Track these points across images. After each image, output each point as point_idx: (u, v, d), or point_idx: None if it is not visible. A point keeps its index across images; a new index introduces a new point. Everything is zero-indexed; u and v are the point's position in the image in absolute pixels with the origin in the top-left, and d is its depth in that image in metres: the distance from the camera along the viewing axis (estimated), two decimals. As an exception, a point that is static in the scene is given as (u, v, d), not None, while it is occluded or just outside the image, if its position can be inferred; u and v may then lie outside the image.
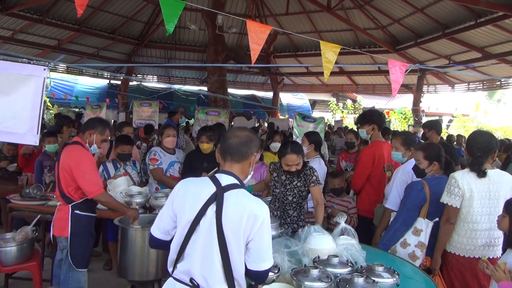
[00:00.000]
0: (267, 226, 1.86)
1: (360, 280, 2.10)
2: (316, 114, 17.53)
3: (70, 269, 3.15)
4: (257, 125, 14.90)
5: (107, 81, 16.23)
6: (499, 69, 11.43)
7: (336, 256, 2.43)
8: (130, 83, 15.53)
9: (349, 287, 2.07)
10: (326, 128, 13.79)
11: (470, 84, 14.10)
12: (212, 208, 1.84)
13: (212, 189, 1.87)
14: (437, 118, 23.31)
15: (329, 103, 20.36)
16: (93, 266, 4.83)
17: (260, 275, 1.87)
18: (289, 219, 3.43)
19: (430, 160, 3.18)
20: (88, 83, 15.91)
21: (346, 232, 2.76)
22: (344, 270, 2.31)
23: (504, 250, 2.69)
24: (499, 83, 12.99)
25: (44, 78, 2.91)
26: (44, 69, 2.92)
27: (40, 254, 4.07)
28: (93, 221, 3.37)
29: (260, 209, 1.83)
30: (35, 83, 2.89)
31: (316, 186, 3.39)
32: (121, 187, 4.13)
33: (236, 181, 1.92)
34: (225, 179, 1.91)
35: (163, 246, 2.01)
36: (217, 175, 1.94)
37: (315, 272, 2.18)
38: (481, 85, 13.75)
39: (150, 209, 3.96)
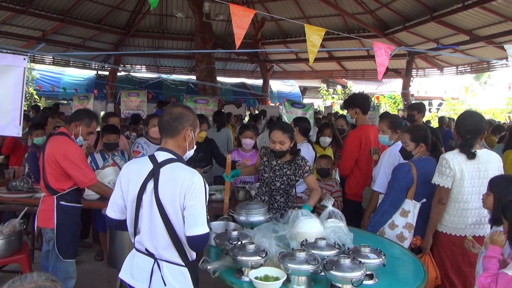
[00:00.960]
0: (199, 194, 1.97)
1: (346, 261, 2.11)
2: (306, 100, 17.49)
3: (57, 260, 3.13)
4: (248, 113, 14.88)
5: (95, 72, 16.01)
6: (487, 51, 11.49)
7: (323, 239, 2.44)
8: (119, 74, 15.35)
9: (336, 269, 2.07)
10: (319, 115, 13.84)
11: (459, 67, 14.17)
12: (150, 184, 2.01)
13: (150, 166, 2.04)
14: (426, 102, 23.53)
15: (319, 89, 20.34)
16: (84, 257, 4.84)
17: (194, 240, 1.97)
18: (276, 205, 3.44)
19: (417, 142, 3.19)
20: (76, 74, 15.68)
21: (334, 215, 2.77)
22: (331, 252, 2.32)
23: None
24: (486, 65, 13.06)
25: (24, 68, 2.85)
26: (24, 59, 2.87)
27: (29, 247, 4.04)
28: (79, 211, 3.34)
29: (191, 178, 1.97)
30: (15, 74, 2.83)
31: (310, 176, 3.35)
32: (109, 177, 4.09)
33: (172, 156, 2.07)
34: (161, 156, 2.07)
35: (120, 226, 2.18)
36: (155, 153, 2.10)
37: (302, 255, 2.19)
38: (470, 68, 13.83)
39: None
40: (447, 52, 11.28)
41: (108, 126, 4.76)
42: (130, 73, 15.87)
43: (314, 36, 3.27)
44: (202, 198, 1.98)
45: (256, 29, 11.62)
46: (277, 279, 2.14)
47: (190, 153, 2.21)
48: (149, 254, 2.07)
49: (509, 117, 16.31)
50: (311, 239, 2.45)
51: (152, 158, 2.07)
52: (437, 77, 15.82)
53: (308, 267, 2.13)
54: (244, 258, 2.22)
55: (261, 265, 2.24)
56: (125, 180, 2.10)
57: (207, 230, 1.99)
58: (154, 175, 2.01)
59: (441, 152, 3.29)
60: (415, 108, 5.18)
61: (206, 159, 4.63)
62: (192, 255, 2.11)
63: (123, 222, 2.15)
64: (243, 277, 2.24)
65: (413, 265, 2.57)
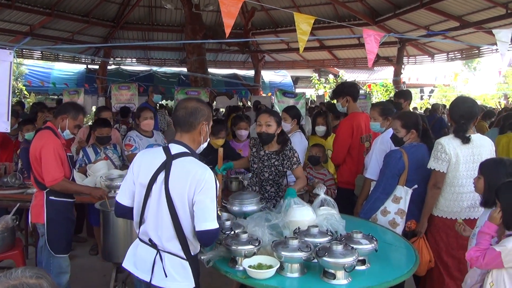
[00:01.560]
0: (210, 189, 2.00)
1: (339, 248, 2.13)
2: (299, 90, 17.45)
3: (50, 255, 3.12)
4: (240, 104, 14.84)
5: (84, 66, 15.83)
6: (477, 37, 11.51)
7: (316, 226, 2.46)
8: (109, 67, 15.18)
9: (328, 255, 2.09)
10: (309, 104, 13.85)
11: (449, 53, 14.21)
12: (161, 175, 2.04)
13: (163, 157, 2.07)
14: (418, 89, 23.61)
15: (311, 79, 20.32)
16: (78, 252, 4.84)
17: (203, 235, 2.00)
18: (267, 195, 3.45)
19: (408, 129, 3.21)
20: (65, 68, 15.49)
21: (326, 202, 2.79)
22: (323, 239, 2.35)
23: None
24: (477, 51, 13.11)
25: (11, 62, 2.81)
26: (10, 53, 2.82)
27: (22, 243, 4.03)
28: (70, 206, 3.32)
29: (203, 173, 2.00)
30: (1, 68, 2.79)
31: (298, 167, 3.35)
32: (101, 171, 4.08)
33: (186, 150, 2.09)
34: (175, 148, 2.10)
35: (128, 213, 2.20)
36: (169, 145, 2.13)
37: (294, 243, 2.21)
38: (460, 54, 13.88)
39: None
40: (437, 39, 11.30)
41: (99, 120, 4.73)
42: (121, 66, 15.71)
43: (304, 24, 3.26)
44: (212, 193, 2.01)
45: (246, 19, 11.55)
46: (270, 267, 2.17)
47: (204, 145, 2.23)
48: (153, 245, 2.10)
49: (499, 102, 16.44)
50: (304, 227, 2.48)
51: (166, 149, 2.10)
52: (428, 64, 15.84)
53: (301, 254, 2.15)
54: (237, 247, 2.24)
55: (255, 253, 2.26)
56: (137, 167, 2.14)
57: (216, 225, 2.01)
58: (166, 166, 2.04)
59: (432, 138, 3.31)
60: (401, 96, 5.16)
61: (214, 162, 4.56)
62: (195, 249, 2.14)
63: (131, 211, 2.17)
64: (236, 266, 2.27)
65: (405, 250, 2.60)
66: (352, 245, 2.20)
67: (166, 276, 2.05)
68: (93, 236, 4.92)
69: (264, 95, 15.23)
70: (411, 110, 5.05)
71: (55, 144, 3.12)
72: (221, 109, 13.40)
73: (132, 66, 17.10)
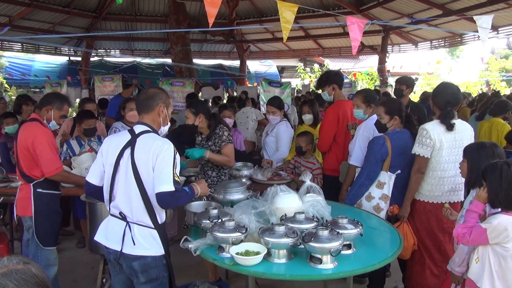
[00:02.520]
0: (168, 156, 2.21)
1: (325, 233, 2.17)
2: (284, 80, 17.45)
3: (38, 248, 3.10)
4: (226, 95, 14.78)
5: (67, 58, 15.53)
6: (459, 25, 11.62)
7: (302, 213, 2.49)
8: (92, 59, 14.93)
9: (314, 240, 2.13)
10: (295, 93, 13.86)
11: (433, 41, 14.34)
12: (128, 150, 2.26)
13: (129, 136, 2.31)
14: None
15: (296, 68, 20.32)
16: (66, 245, 4.81)
17: (160, 197, 2.17)
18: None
19: (391, 115, 3.25)
20: (47, 60, 15.18)
21: (312, 189, 2.82)
22: (310, 225, 2.38)
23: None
24: (459, 39, 13.25)
25: (-11, 54, 2.74)
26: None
27: (7, 237, 3.99)
28: (57, 198, 3.29)
29: (162, 144, 2.23)
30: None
31: (226, 146, 3.53)
32: (86, 163, 4.03)
33: (148, 128, 2.34)
34: (138, 128, 2.34)
35: (96, 193, 2.41)
36: (134, 126, 2.37)
37: (281, 229, 2.24)
38: (443, 42, 14.01)
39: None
40: (419, 26, 11.38)
41: (84, 112, 4.67)
42: (104, 58, 15.46)
43: (287, 12, 3.26)
44: (170, 161, 2.20)
45: (230, 8, 11.42)
46: (257, 253, 2.19)
47: (164, 129, 2.47)
48: (123, 217, 2.28)
49: (481, 89, 16.70)
50: (290, 214, 2.50)
51: (131, 130, 2.35)
52: (412, 52, 15.97)
53: (288, 240, 2.18)
54: (224, 234, 2.26)
55: (242, 241, 2.28)
56: (106, 149, 2.35)
57: (172, 188, 2.17)
58: (131, 143, 2.26)
59: (415, 125, 3.35)
60: (403, 82, 4.86)
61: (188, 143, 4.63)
62: (162, 218, 2.32)
63: (99, 190, 2.38)
64: (224, 253, 2.28)
65: (390, 234, 2.66)
66: (337, 230, 2.24)
67: (134, 244, 2.23)
68: (80, 229, 4.88)
69: (250, 85, 15.19)
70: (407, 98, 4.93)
71: (48, 134, 3.11)
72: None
73: (116, 57, 16.83)
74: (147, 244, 2.24)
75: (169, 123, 2.50)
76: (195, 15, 13.41)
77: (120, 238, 2.25)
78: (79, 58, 14.94)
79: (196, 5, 14.07)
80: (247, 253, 2.21)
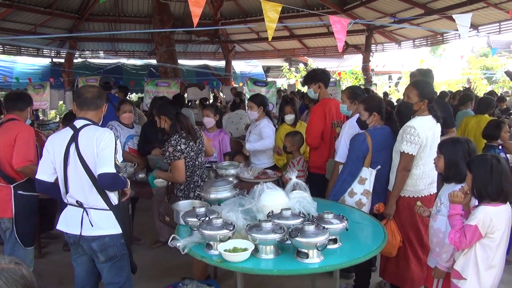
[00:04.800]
0: (109, 142, 2.43)
1: (311, 228, 2.20)
2: (270, 80, 17.53)
3: (14, 248, 3.15)
4: (212, 95, 14.75)
5: (49, 60, 15.31)
6: (441, 24, 11.84)
7: (288, 209, 2.52)
8: (75, 60, 14.75)
9: (301, 235, 2.16)
10: (282, 93, 13.90)
11: (415, 40, 14.57)
12: (73, 146, 2.45)
13: (71, 132, 2.47)
14: (386, 76, 24.11)
15: (282, 68, 20.41)
16: (52, 249, 4.77)
17: (102, 178, 2.38)
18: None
19: (370, 112, 3.30)
20: (29, 63, 14.93)
21: (298, 186, 2.85)
22: (296, 221, 2.41)
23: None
24: (441, 38, 13.49)
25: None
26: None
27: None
28: (36, 200, 3.34)
29: (103, 133, 2.45)
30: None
31: (173, 162, 3.31)
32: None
33: (89, 122, 2.52)
34: (80, 123, 2.51)
35: (49, 189, 2.56)
36: (74, 122, 2.52)
37: (268, 225, 2.26)
38: (425, 41, 14.25)
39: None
40: (402, 25, 11.56)
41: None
42: (87, 60, 15.28)
43: (271, 12, 3.29)
44: (111, 146, 2.42)
45: (215, 9, 11.42)
46: (245, 250, 2.21)
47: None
48: (79, 205, 2.48)
49: (463, 87, 17.01)
50: (277, 211, 2.53)
51: (72, 125, 2.51)
52: (396, 51, 16.20)
53: (275, 236, 2.20)
54: (212, 232, 2.28)
55: (229, 238, 2.30)
56: (51, 147, 2.51)
57: (112, 170, 2.40)
58: (74, 137, 2.45)
59: (396, 121, 3.40)
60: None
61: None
62: (114, 200, 2.54)
63: (53, 184, 2.54)
64: (212, 251, 2.30)
65: (373, 228, 2.71)
66: (323, 225, 2.28)
67: (92, 226, 2.45)
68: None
69: (235, 85, 15.21)
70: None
71: (31, 132, 3.24)
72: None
73: (100, 59, 16.66)
74: (104, 224, 2.48)
75: (101, 119, 2.67)
76: (180, 15, 13.38)
77: (79, 223, 2.47)
78: (62, 60, 14.75)
79: (181, 5, 14.03)
80: (235, 250, 2.23)
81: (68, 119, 4.51)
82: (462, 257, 2.36)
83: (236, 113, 7.06)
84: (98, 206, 2.49)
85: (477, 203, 2.36)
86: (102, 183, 2.41)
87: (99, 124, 2.60)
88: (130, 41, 16.28)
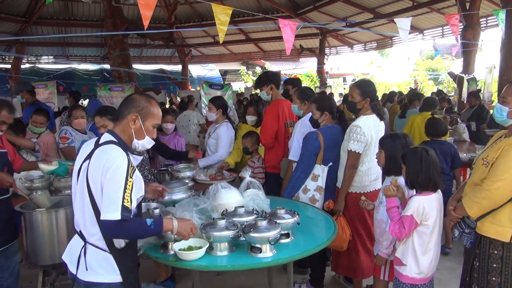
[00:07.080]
0: (115, 177, 1.88)
1: (263, 223, 2.27)
2: (226, 83, 17.60)
3: None
4: (168, 99, 14.60)
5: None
6: (389, 27, 12.42)
7: (242, 206, 2.58)
8: (23, 66, 14.12)
9: (254, 231, 2.22)
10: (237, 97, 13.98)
11: (366, 44, 15.17)
12: (86, 163, 1.97)
13: (92, 146, 2.02)
14: (341, 78, 24.86)
15: (239, 71, 20.54)
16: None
17: (105, 225, 1.88)
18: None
19: (321, 111, 3.44)
20: (-29, 69, 14.14)
21: (252, 185, 2.93)
22: (249, 218, 2.47)
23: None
24: (390, 41, 14.13)
25: None
26: None
27: None
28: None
29: (112, 160, 1.90)
30: None
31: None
32: (21, 173, 3.86)
33: (113, 138, 2.03)
34: (104, 138, 2.04)
35: None
36: (102, 135, 2.08)
37: (222, 223, 2.31)
38: (376, 44, 14.87)
39: (56, 191, 3.78)
40: (353, 28, 11.99)
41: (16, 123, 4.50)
42: (36, 65, 14.67)
43: (222, 14, 3.36)
44: (121, 180, 1.87)
45: (169, 12, 11.33)
46: (200, 248, 2.25)
47: (139, 143, 2.10)
48: (81, 236, 2.02)
49: (410, 87, 17.86)
50: (231, 209, 2.58)
51: (97, 139, 2.06)
52: (349, 54, 16.78)
53: (229, 233, 2.25)
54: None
55: (184, 237, 2.31)
56: (77, 158, 2.09)
57: (117, 217, 1.84)
58: (90, 155, 1.97)
59: (347, 121, 3.56)
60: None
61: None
62: (120, 242, 2.01)
63: None
64: (167, 251, 2.31)
65: (325, 222, 2.82)
66: (275, 220, 2.36)
67: (87, 270, 1.97)
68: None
69: (192, 89, 15.14)
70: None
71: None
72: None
73: (49, 64, 16.04)
74: (102, 269, 1.98)
75: (147, 139, 2.12)
76: (133, 19, 13.14)
77: (76, 259, 2.01)
78: (9, 66, 14.08)
79: (134, 9, 13.80)
80: (190, 249, 2.25)
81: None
82: (402, 245, 2.54)
83: (184, 115, 7.02)
84: (98, 245, 1.98)
85: (414, 194, 2.53)
86: (106, 232, 1.92)
87: (132, 145, 2.10)
88: (81, 46, 15.84)
